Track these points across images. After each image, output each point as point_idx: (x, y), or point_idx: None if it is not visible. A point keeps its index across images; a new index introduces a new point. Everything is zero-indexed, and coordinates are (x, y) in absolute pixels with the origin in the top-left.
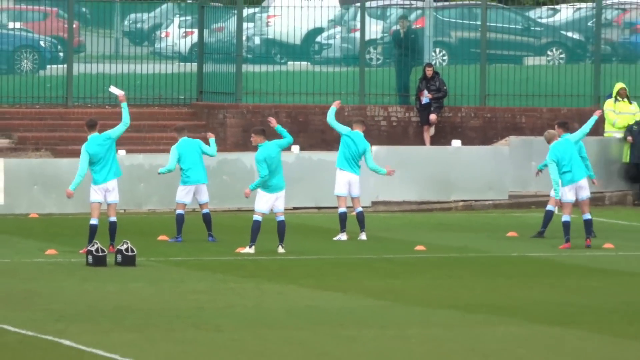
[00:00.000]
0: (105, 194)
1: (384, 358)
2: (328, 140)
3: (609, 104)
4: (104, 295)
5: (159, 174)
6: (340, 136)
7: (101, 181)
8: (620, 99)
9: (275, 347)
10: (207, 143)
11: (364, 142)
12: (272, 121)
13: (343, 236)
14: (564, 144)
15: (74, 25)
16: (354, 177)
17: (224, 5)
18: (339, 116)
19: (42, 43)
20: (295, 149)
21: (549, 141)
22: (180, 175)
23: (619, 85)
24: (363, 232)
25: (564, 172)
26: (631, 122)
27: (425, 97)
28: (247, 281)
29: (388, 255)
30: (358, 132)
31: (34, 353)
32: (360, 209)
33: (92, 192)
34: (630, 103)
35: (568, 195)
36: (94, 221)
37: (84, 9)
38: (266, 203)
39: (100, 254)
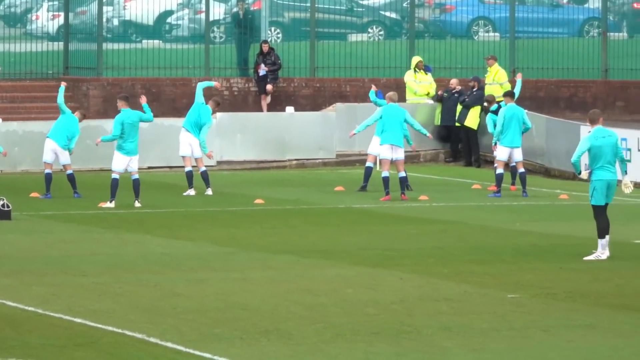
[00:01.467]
0: None
1: (229, 297)
2: (178, 108)
3: (409, 75)
4: None
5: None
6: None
7: None
8: (418, 70)
9: (134, 289)
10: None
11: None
12: (142, 98)
13: (191, 192)
14: (393, 109)
15: None
16: (195, 139)
17: None
18: (188, 87)
19: None
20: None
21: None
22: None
23: (416, 59)
24: (209, 188)
25: (383, 133)
26: (430, 90)
27: (262, 70)
28: (109, 232)
29: (231, 208)
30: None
31: None
32: (204, 168)
33: None
34: (426, 74)
35: (386, 153)
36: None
37: None
38: (122, 164)
39: None
